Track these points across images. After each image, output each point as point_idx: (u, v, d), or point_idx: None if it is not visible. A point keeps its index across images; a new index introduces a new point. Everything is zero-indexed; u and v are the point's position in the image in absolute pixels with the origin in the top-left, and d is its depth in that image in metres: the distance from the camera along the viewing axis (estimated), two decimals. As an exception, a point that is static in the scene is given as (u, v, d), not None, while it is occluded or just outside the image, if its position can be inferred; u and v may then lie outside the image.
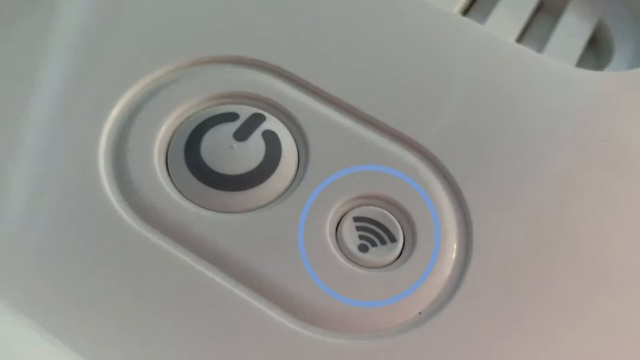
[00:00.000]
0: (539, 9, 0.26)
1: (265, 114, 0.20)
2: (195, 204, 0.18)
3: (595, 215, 0.19)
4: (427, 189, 0.19)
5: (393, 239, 0.18)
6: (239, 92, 0.20)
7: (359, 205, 0.19)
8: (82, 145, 0.19)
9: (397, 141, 0.20)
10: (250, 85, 0.20)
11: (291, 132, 0.20)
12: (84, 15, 0.22)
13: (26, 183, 0.18)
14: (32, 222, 0.18)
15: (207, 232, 0.18)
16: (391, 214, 0.19)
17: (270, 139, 0.19)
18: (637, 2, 0.26)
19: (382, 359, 0.17)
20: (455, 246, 0.18)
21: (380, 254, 0.18)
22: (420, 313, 0.17)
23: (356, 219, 0.18)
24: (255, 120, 0.20)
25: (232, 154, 0.19)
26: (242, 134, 0.19)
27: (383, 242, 0.18)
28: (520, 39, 0.25)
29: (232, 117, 0.20)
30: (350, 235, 0.18)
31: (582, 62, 0.25)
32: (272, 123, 0.20)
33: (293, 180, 0.19)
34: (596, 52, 0.26)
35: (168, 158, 0.19)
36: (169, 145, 0.19)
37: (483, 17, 0.25)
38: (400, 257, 0.18)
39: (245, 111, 0.20)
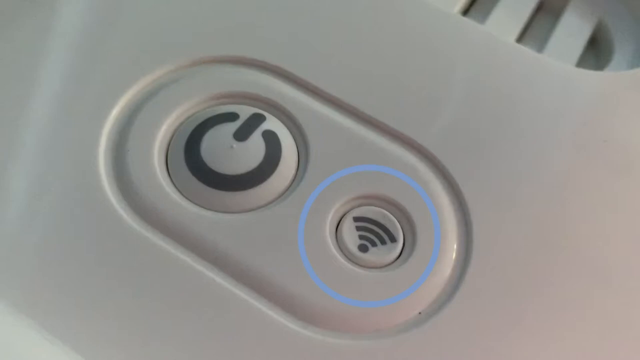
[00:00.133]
0: (539, 9, 0.26)
1: (265, 114, 0.20)
2: (195, 204, 0.18)
3: (595, 215, 0.19)
4: (427, 189, 0.19)
5: (393, 239, 0.18)
6: (239, 92, 0.20)
7: (359, 205, 0.19)
8: (82, 145, 0.19)
9: (397, 141, 0.20)
10: (250, 85, 0.20)
11: (291, 132, 0.20)
12: (84, 15, 0.22)
13: (26, 183, 0.18)
14: (32, 222, 0.18)
15: (207, 232, 0.18)
16: (391, 214, 0.19)
17: (270, 139, 0.19)
18: (637, 2, 0.26)
19: (382, 359, 0.17)
20: (455, 246, 0.18)
21: (380, 254, 0.18)
22: (420, 313, 0.17)
23: (356, 219, 0.18)
24: (255, 120, 0.20)
25: (232, 154, 0.19)
26: (242, 134, 0.19)
27: (383, 242, 0.18)
28: (520, 39, 0.25)
29: (232, 117, 0.20)
30: (350, 235, 0.18)
31: (582, 62, 0.24)
32: (272, 123, 0.20)
33: (293, 180, 0.19)
34: (596, 52, 0.26)
35: (168, 158, 0.19)
36: (169, 145, 0.19)
37: (483, 17, 0.25)
38: (400, 257, 0.18)
39: (245, 111, 0.20)
